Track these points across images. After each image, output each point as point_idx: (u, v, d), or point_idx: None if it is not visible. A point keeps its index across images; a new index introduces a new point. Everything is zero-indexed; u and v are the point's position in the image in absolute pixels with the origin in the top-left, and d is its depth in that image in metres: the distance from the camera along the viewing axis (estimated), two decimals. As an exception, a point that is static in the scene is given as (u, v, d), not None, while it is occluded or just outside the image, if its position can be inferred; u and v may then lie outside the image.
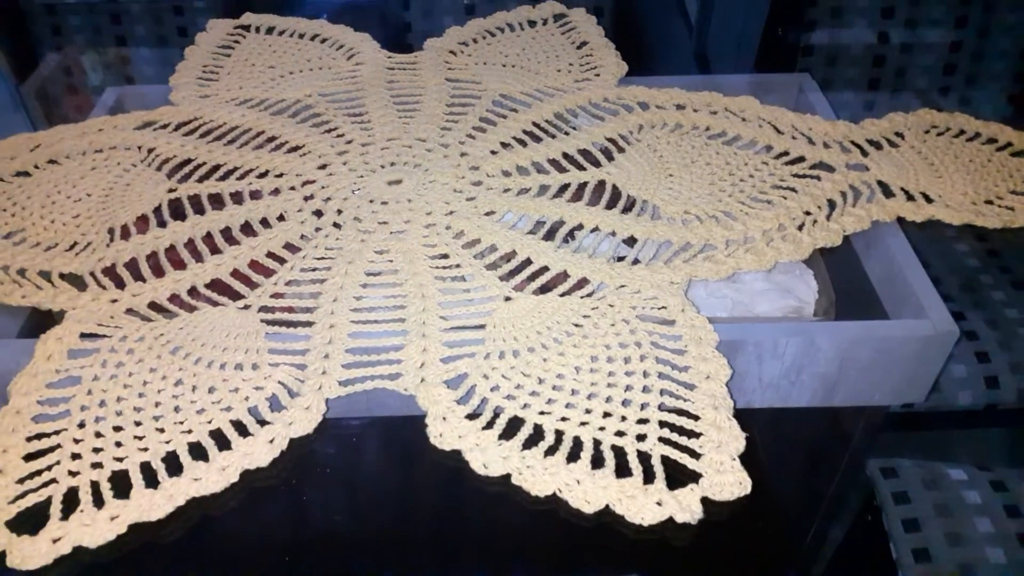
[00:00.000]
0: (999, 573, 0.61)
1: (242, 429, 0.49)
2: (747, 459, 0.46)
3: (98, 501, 0.45)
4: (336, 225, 0.63)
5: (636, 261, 0.60)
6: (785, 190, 0.66)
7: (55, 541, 0.43)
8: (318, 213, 0.64)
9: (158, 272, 0.59)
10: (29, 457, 0.47)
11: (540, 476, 0.46)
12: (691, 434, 0.48)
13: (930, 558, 0.63)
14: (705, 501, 0.45)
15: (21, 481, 0.46)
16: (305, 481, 0.48)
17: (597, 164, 0.69)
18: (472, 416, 0.49)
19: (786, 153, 0.70)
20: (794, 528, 0.55)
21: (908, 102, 1.09)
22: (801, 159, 0.69)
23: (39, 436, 0.48)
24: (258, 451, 0.47)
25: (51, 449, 0.48)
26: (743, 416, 0.48)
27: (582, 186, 0.67)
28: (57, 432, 0.48)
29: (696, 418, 0.49)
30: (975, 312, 0.80)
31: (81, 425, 0.49)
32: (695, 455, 0.47)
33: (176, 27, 1.16)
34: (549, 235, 0.62)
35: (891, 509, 0.67)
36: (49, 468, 0.47)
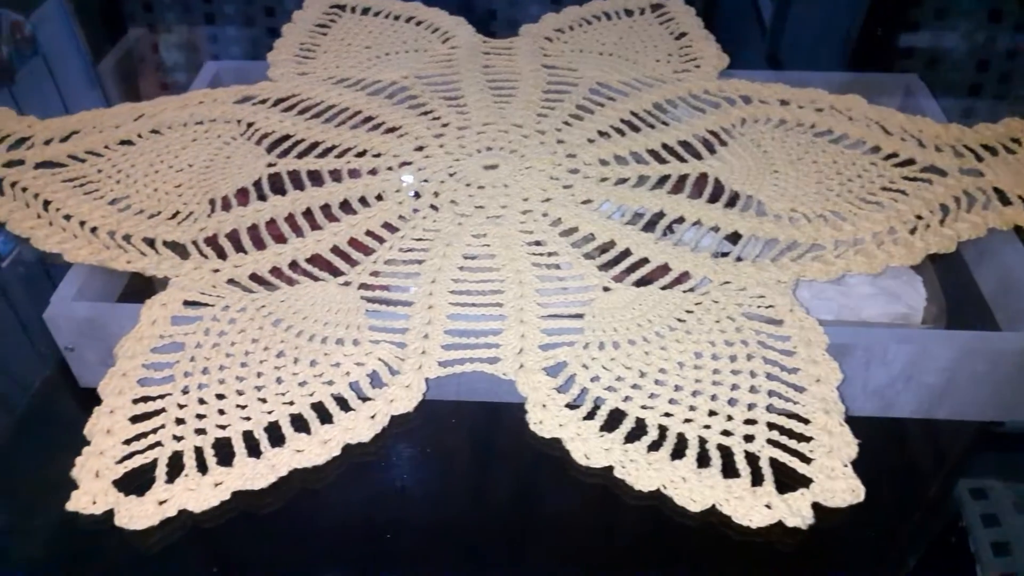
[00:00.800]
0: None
1: (343, 404, 0.49)
2: None
3: (202, 467, 0.45)
4: (433, 207, 0.63)
5: (739, 258, 0.58)
6: (895, 192, 0.63)
7: (161, 503, 0.44)
8: (415, 195, 0.64)
9: (259, 244, 0.59)
10: (135, 419, 0.48)
11: (644, 471, 0.45)
12: (800, 437, 0.46)
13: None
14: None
15: (127, 442, 0.47)
16: (404, 460, 0.48)
17: (698, 157, 0.67)
18: (572, 406, 0.48)
19: (895, 155, 0.67)
20: (877, 544, 0.53)
21: (1012, 109, 1.04)
22: (911, 162, 0.66)
23: (144, 399, 0.49)
24: (360, 426, 0.47)
25: (156, 413, 0.48)
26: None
27: (683, 178, 0.65)
28: (162, 396, 0.49)
29: (806, 421, 0.47)
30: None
31: (185, 391, 0.49)
32: (805, 459, 0.46)
33: (263, 7, 1.17)
34: (648, 227, 0.61)
35: (979, 532, 0.65)
36: (154, 431, 0.47)
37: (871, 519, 0.46)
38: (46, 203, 0.63)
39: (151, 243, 0.60)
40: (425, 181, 0.65)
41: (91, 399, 0.54)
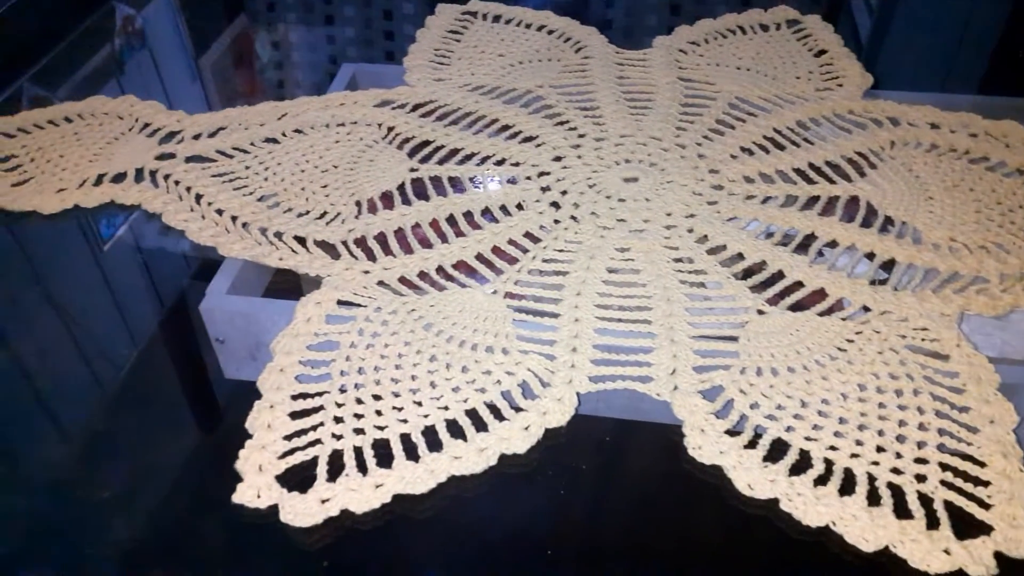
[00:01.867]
0: None
1: (496, 413, 0.48)
2: None
3: (362, 467, 0.46)
4: (574, 219, 0.63)
5: (896, 287, 0.56)
6: (1062, 226, 0.60)
7: (324, 502, 0.44)
8: (555, 205, 0.64)
9: (406, 247, 0.60)
10: (294, 415, 0.49)
11: (812, 505, 0.43)
12: (977, 481, 0.44)
13: None
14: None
15: (288, 438, 0.48)
16: (557, 474, 0.48)
17: (847, 178, 0.65)
18: (731, 433, 0.47)
19: (1059, 185, 0.64)
20: None
21: None
22: (1076, 193, 0.63)
23: (302, 396, 0.50)
24: (514, 437, 0.47)
25: (315, 410, 0.49)
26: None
27: (832, 200, 0.63)
28: (319, 394, 0.50)
29: (982, 464, 0.45)
30: None
31: (342, 390, 0.50)
32: (983, 504, 0.43)
33: (382, 10, 1.19)
34: (800, 249, 0.59)
35: None
36: (314, 428, 0.48)
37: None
38: (198, 197, 0.65)
39: (302, 241, 0.61)
40: (564, 192, 0.65)
41: (239, 391, 0.55)
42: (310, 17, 1.22)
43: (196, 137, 0.72)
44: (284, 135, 0.72)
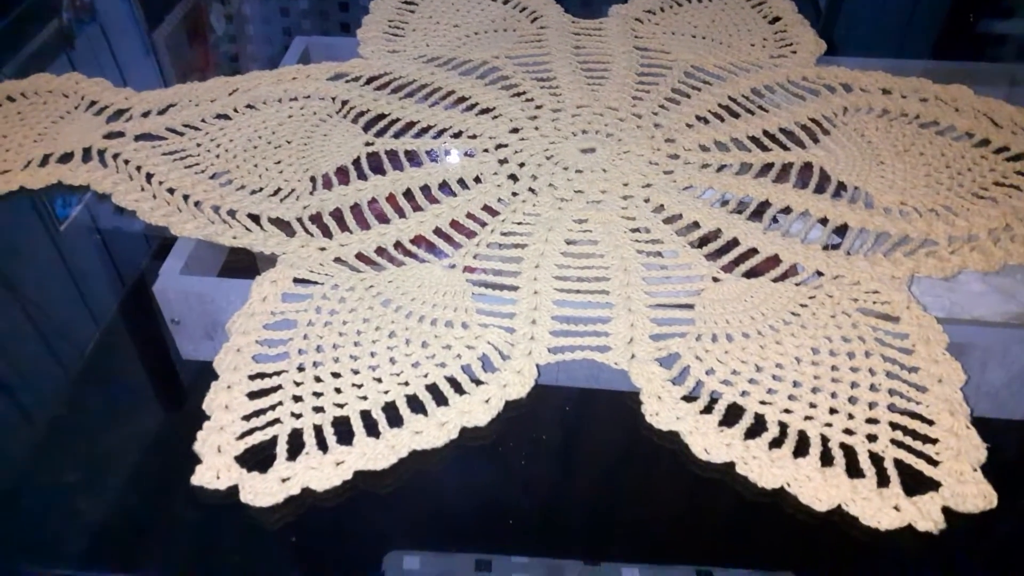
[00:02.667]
0: None
1: (457, 386, 0.49)
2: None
3: (322, 445, 0.46)
4: (532, 191, 0.62)
5: (848, 251, 0.57)
6: (1009, 188, 0.61)
7: (284, 480, 0.44)
8: (513, 178, 0.64)
9: (363, 223, 0.59)
10: (252, 395, 0.48)
11: (767, 468, 0.44)
12: (926, 439, 0.45)
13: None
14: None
15: (246, 418, 0.47)
16: (518, 445, 0.48)
17: (801, 145, 0.66)
18: (687, 398, 0.48)
19: (1006, 148, 0.65)
20: (991, 548, 0.52)
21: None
22: (1023, 156, 0.64)
23: (260, 376, 0.49)
24: (475, 410, 0.47)
25: (273, 389, 0.49)
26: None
27: (787, 167, 0.64)
28: (277, 373, 0.49)
29: (930, 423, 0.46)
30: None
31: (300, 368, 0.49)
32: (932, 462, 0.45)
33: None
34: (755, 216, 0.60)
35: None
36: (272, 408, 0.48)
37: (985, 522, 0.45)
38: (149, 176, 0.64)
39: (256, 219, 0.60)
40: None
41: (195, 371, 0.55)
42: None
43: (145, 115, 0.71)
44: (236, 111, 0.70)
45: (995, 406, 0.54)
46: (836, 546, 0.43)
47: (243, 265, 0.61)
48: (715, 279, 0.55)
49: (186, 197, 0.62)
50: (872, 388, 0.48)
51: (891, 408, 0.47)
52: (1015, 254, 0.56)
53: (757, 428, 0.46)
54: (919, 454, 0.45)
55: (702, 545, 0.45)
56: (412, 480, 0.46)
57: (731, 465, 0.45)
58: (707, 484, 0.46)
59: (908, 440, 0.45)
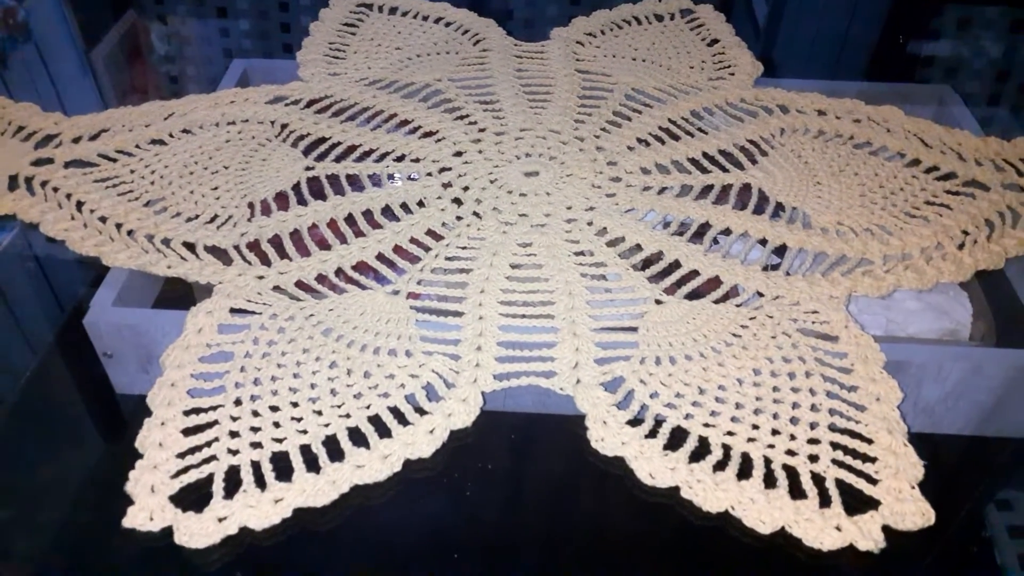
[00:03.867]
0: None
1: (400, 417, 0.48)
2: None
3: (260, 482, 0.44)
4: (476, 215, 0.62)
5: (788, 272, 0.58)
6: (940, 207, 0.63)
7: (221, 520, 0.43)
8: (457, 201, 0.63)
9: (302, 250, 0.58)
10: (187, 432, 0.47)
11: (712, 491, 0.44)
12: (865, 458, 0.46)
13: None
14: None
15: (181, 456, 0.46)
16: (464, 475, 0.47)
17: (740, 167, 0.67)
18: (632, 422, 0.48)
19: (936, 168, 0.67)
20: (908, 556, 0.53)
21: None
22: (952, 175, 0.66)
23: (195, 411, 0.48)
24: (419, 441, 0.46)
25: (209, 425, 0.47)
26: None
27: (726, 188, 0.65)
28: (214, 408, 0.48)
29: (869, 441, 0.47)
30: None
31: (237, 402, 0.48)
32: (871, 480, 0.45)
33: (278, 2, 1.16)
34: (695, 238, 0.60)
35: (1006, 544, 0.65)
36: (208, 444, 0.46)
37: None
38: (79, 204, 0.62)
39: (191, 247, 0.58)
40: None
41: (130, 406, 0.53)
42: (201, 9, 1.17)
43: (76, 140, 0.68)
44: (171, 136, 0.69)
45: (931, 422, 0.55)
46: (784, 568, 0.44)
47: (180, 295, 0.59)
48: (658, 301, 0.55)
49: (119, 226, 0.60)
50: (813, 408, 0.48)
51: (831, 428, 0.48)
52: (946, 272, 0.57)
53: (701, 451, 0.46)
54: (859, 473, 0.45)
55: (654, 570, 0.45)
56: (355, 516, 0.45)
57: (676, 489, 0.45)
58: (654, 509, 0.46)
59: (848, 459, 0.46)
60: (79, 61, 1.01)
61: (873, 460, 0.46)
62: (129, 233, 0.59)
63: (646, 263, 0.58)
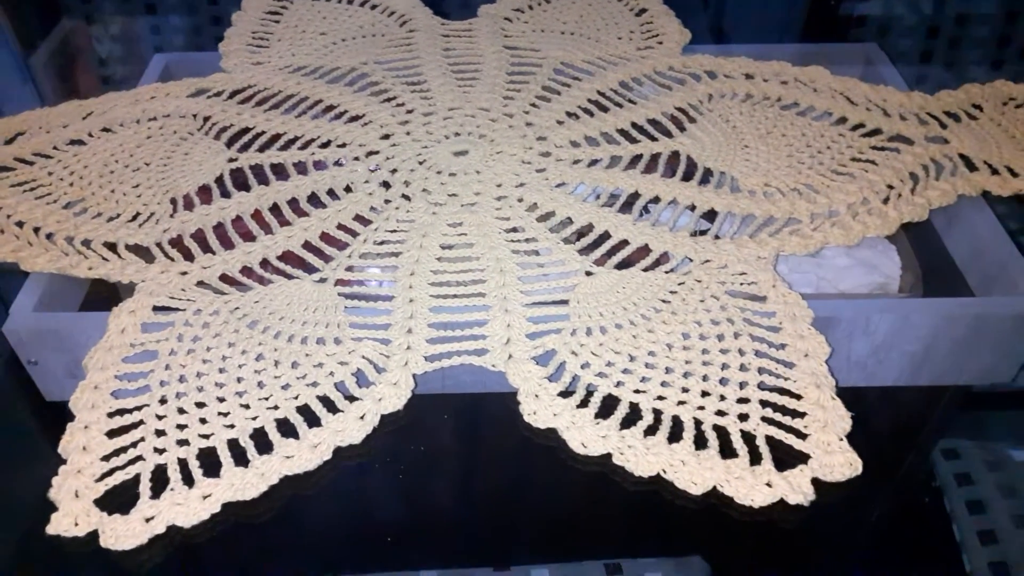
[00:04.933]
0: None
1: (330, 405, 0.47)
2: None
3: (188, 479, 0.44)
4: (405, 197, 0.61)
5: (717, 236, 0.58)
6: (865, 163, 0.64)
7: (148, 520, 0.42)
8: (385, 185, 0.62)
9: (227, 243, 0.57)
10: (112, 434, 0.46)
11: (643, 456, 0.44)
12: (794, 413, 0.47)
13: (997, 540, 0.62)
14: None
15: (106, 458, 0.45)
16: (397, 459, 0.47)
17: (669, 135, 0.67)
18: (564, 394, 0.48)
19: (862, 125, 0.67)
20: (855, 510, 0.53)
21: (961, 75, 1.06)
22: (878, 131, 0.67)
23: (120, 412, 0.47)
24: (349, 428, 0.46)
25: (134, 425, 0.46)
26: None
27: (655, 157, 0.65)
28: (138, 408, 0.47)
29: (798, 397, 0.47)
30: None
31: (163, 401, 0.47)
32: (801, 435, 0.46)
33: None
34: (625, 208, 0.60)
35: (953, 491, 0.66)
36: (134, 445, 0.45)
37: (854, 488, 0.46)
38: (-5, 210, 0.60)
39: (112, 247, 0.57)
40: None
41: (60, 413, 0.52)
42: (129, 7, 1.14)
43: (-10, 145, 0.66)
44: (91, 135, 0.67)
45: (865, 375, 0.56)
46: (714, 528, 0.44)
47: (109, 296, 0.58)
48: (588, 273, 0.55)
49: (37, 229, 0.58)
50: (742, 368, 0.49)
51: (761, 386, 0.48)
52: (872, 226, 0.58)
53: (632, 417, 0.47)
54: (788, 429, 0.46)
55: (585, 538, 0.45)
56: (288, 506, 0.45)
57: (608, 457, 0.45)
58: (588, 478, 0.46)
59: (778, 416, 0.46)
60: (18, 67, 0.98)
61: (802, 415, 0.46)
62: (48, 236, 0.58)
63: (577, 236, 0.58)
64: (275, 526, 0.44)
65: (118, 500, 0.44)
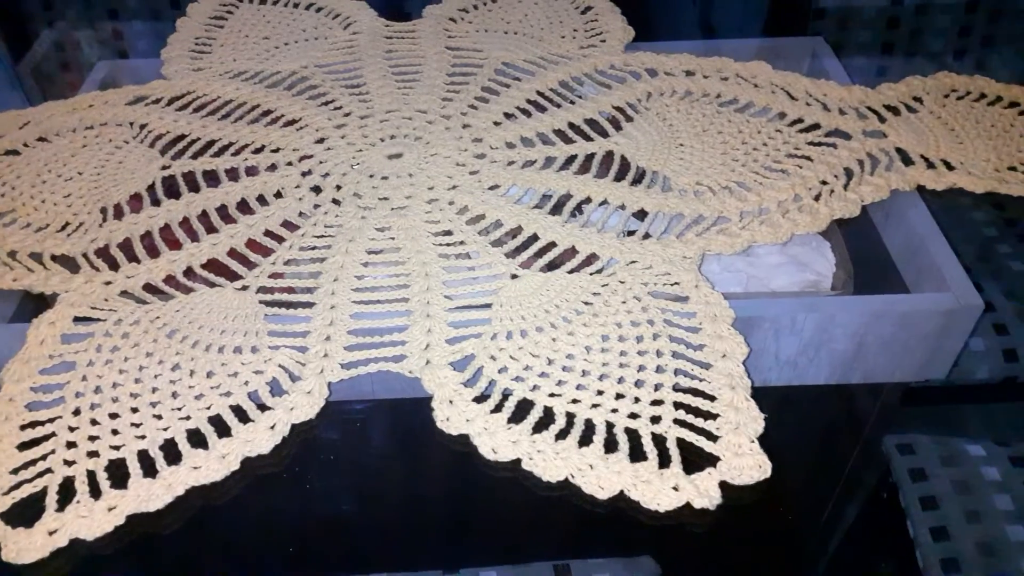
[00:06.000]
0: (1018, 550, 0.60)
1: (242, 415, 0.47)
2: (763, 438, 0.45)
3: (95, 491, 0.44)
4: (335, 202, 0.61)
5: (647, 235, 0.58)
6: (800, 159, 0.63)
7: (51, 533, 0.42)
8: (316, 189, 0.62)
9: (153, 252, 0.57)
10: (23, 446, 0.46)
11: (552, 461, 0.44)
12: (707, 415, 0.46)
13: (948, 536, 0.62)
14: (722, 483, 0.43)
15: (15, 471, 0.45)
16: (308, 468, 0.47)
17: (605, 134, 0.66)
18: (480, 399, 0.48)
19: (800, 120, 0.67)
20: (809, 508, 0.54)
21: (923, 66, 1.05)
22: (816, 126, 0.67)
23: (33, 424, 0.47)
24: (259, 438, 0.46)
25: (45, 438, 0.46)
26: (760, 394, 0.46)
27: (589, 157, 0.64)
28: (51, 420, 0.47)
29: (712, 399, 0.47)
30: (993, 283, 0.78)
31: (76, 412, 0.47)
32: (712, 437, 0.45)
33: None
34: (556, 209, 0.60)
35: (908, 487, 0.66)
36: (44, 457, 0.45)
37: (804, 483, 0.46)
38: (-78, 223, 0.60)
39: (39, 258, 0.57)
40: (326, 175, 0.63)
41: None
42: (91, 12, 1.14)
43: (-76, 158, 0.66)
44: (26, 145, 0.67)
45: (796, 374, 0.56)
46: (624, 532, 0.44)
47: (44, 308, 0.58)
48: (514, 276, 0.55)
49: (-37, 242, 0.58)
50: (658, 369, 0.48)
51: (676, 388, 0.48)
52: (802, 224, 0.58)
53: (545, 421, 0.46)
54: (700, 431, 0.46)
55: (499, 545, 0.45)
56: (197, 517, 0.44)
57: (519, 462, 0.45)
58: (500, 484, 0.46)
59: (690, 418, 0.46)
60: (6, 75, 0.98)
61: (716, 417, 0.46)
62: (-26, 248, 0.58)
63: (505, 238, 0.58)
64: (182, 537, 0.44)
65: (28, 512, 0.43)
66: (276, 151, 0.65)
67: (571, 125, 0.67)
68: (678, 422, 0.46)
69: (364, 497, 0.47)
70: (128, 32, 1.12)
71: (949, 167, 0.63)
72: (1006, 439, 0.66)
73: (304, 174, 0.63)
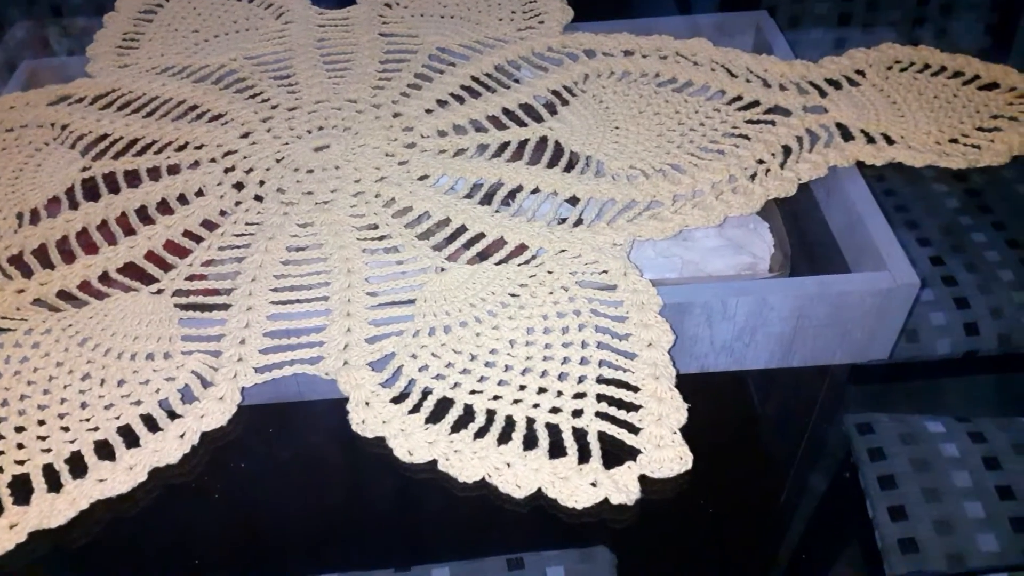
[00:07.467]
0: (976, 528, 0.59)
1: (151, 424, 0.46)
2: (716, 424, 0.43)
3: (-4, 510, 0.42)
4: (258, 198, 0.59)
5: (579, 222, 0.56)
6: (738, 138, 0.62)
7: (-52, 556, 0.41)
8: (239, 186, 0.60)
9: (68, 258, 0.55)
10: (-76, 465, 0.44)
11: (468, 461, 0.43)
12: (630, 407, 0.45)
13: (906, 515, 0.61)
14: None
15: (-86, 493, 0.43)
16: (219, 477, 0.45)
17: (539, 119, 0.64)
18: (398, 399, 0.46)
19: (740, 98, 0.65)
20: (772, 491, 0.52)
21: (881, 36, 1.04)
22: (756, 104, 0.65)
23: (-66, 442, 0.45)
24: (167, 447, 0.44)
25: (-53, 457, 0.45)
26: (700, 380, 0.45)
27: (523, 144, 0.63)
28: (-46, 437, 0.45)
29: (636, 389, 0.46)
30: (955, 256, 0.77)
31: (-21, 429, 0.46)
32: (634, 430, 0.44)
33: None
34: (487, 199, 0.58)
35: (867, 466, 0.65)
36: (-56, 476, 0.44)
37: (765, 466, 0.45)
38: None
39: (-53, 269, 0.55)
40: (249, 171, 0.61)
41: None
42: (34, 9, 1.11)
43: None
44: (-58, 151, 0.65)
45: (734, 359, 0.55)
46: (541, 531, 0.43)
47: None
48: (440, 270, 0.53)
49: None
50: (583, 361, 0.47)
51: (599, 379, 0.46)
52: (735, 205, 0.56)
53: (465, 420, 0.45)
54: (622, 423, 0.44)
55: (417, 549, 0.44)
56: (104, 531, 0.43)
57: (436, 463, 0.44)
58: (418, 486, 0.44)
59: (613, 411, 0.45)
60: None
61: (638, 408, 0.45)
62: None
63: (433, 231, 0.56)
64: (91, 552, 0.42)
65: (-70, 535, 0.42)
66: (200, 148, 0.64)
67: (505, 111, 0.65)
68: (600, 415, 0.45)
69: (275, 505, 0.45)
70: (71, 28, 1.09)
71: (889, 141, 0.61)
72: (966, 415, 0.65)
73: (227, 170, 0.62)
